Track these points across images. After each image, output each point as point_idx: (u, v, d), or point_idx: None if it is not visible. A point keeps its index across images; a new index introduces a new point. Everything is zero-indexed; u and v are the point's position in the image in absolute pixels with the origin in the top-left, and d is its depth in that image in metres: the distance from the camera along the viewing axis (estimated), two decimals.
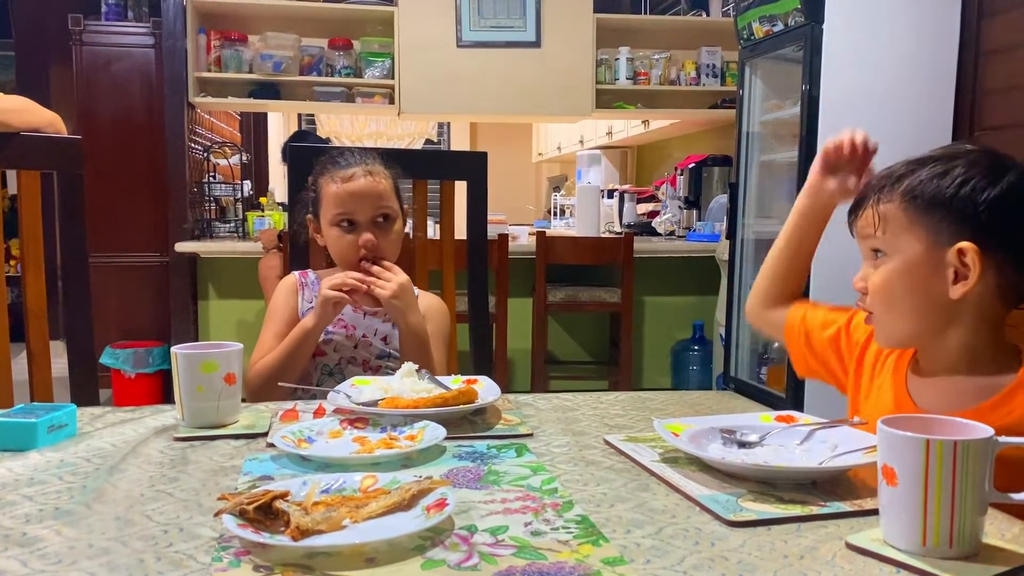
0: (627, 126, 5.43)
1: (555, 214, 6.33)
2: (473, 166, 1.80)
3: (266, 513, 0.74)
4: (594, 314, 4.14)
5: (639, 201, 5.06)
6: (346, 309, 1.54)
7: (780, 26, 2.92)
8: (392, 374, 1.29)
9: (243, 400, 1.20)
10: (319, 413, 1.16)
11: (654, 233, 4.65)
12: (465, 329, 1.80)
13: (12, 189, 5.09)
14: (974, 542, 0.71)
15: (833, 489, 0.86)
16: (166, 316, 4.09)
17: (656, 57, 4.55)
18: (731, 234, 3.31)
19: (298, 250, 1.73)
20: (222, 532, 0.74)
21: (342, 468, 0.92)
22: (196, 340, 3.87)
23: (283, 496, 0.76)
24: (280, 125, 7.65)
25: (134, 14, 4.34)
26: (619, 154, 6.31)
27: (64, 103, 4.41)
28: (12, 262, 3.93)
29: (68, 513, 0.80)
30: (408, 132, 8.28)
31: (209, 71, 4.18)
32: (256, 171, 5.85)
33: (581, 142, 6.25)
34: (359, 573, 0.67)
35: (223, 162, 4.47)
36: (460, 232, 1.80)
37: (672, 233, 4.53)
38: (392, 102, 4.39)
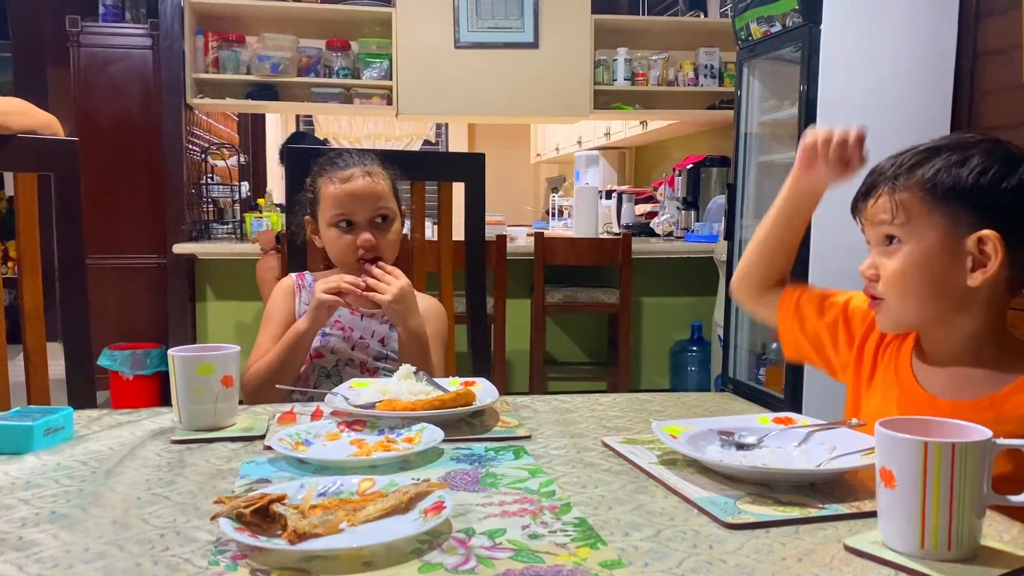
0: (625, 127, 5.43)
1: (553, 215, 6.33)
2: (471, 167, 1.80)
3: (263, 516, 0.74)
4: (592, 315, 4.14)
5: (637, 202, 5.05)
6: (343, 311, 1.54)
7: (778, 27, 2.92)
8: (390, 375, 1.29)
9: (240, 402, 1.20)
10: (317, 415, 1.16)
11: (652, 234, 4.65)
12: (463, 330, 1.80)
13: (10, 190, 5.07)
14: (973, 544, 0.71)
15: (831, 491, 0.86)
16: (164, 317, 4.08)
17: (654, 58, 4.55)
18: (729, 235, 3.31)
19: (296, 251, 1.73)
20: (219, 536, 0.74)
21: (339, 471, 0.92)
22: (194, 341, 3.87)
23: (280, 499, 0.76)
24: (278, 126, 7.65)
25: (132, 15, 4.34)
26: (617, 155, 6.31)
27: (62, 104, 4.41)
28: (9, 264, 3.92)
29: (64, 517, 0.80)
30: (406, 133, 8.28)
31: (207, 72, 4.17)
32: (254, 172, 5.84)
33: (579, 143, 6.25)
34: None
35: (221, 163, 4.47)
36: (458, 233, 1.80)
37: (670, 234, 4.53)
38: (390, 103, 4.39)
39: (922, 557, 0.70)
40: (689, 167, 4.48)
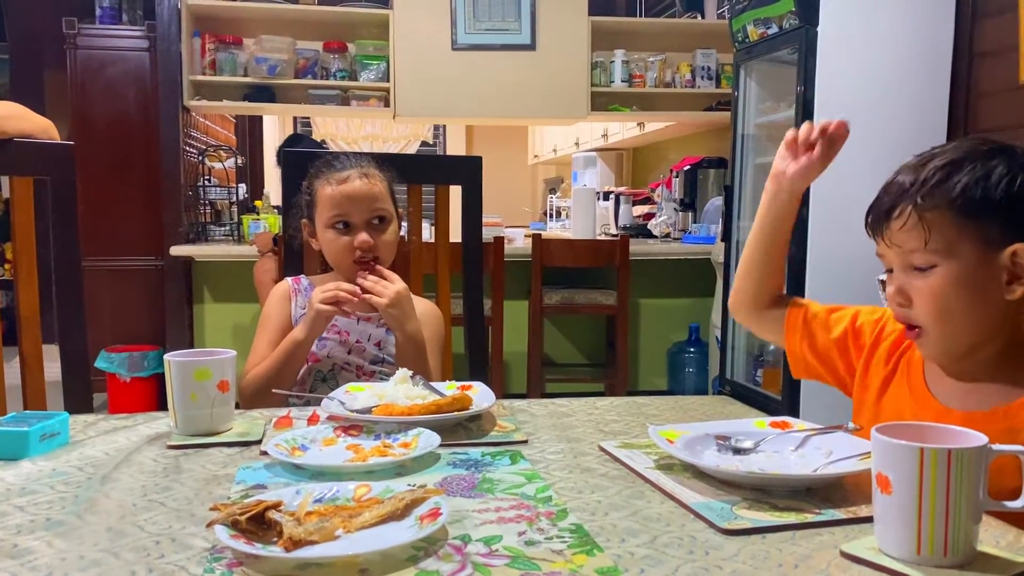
0: (622, 128, 5.43)
1: (551, 216, 6.33)
2: (468, 171, 1.79)
3: (259, 523, 0.74)
4: (590, 316, 4.14)
5: (635, 203, 5.05)
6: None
7: (775, 28, 2.92)
8: (386, 379, 1.29)
9: (236, 405, 1.19)
10: (313, 420, 1.16)
11: (650, 235, 4.65)
12: (461, 332, 1.79)
13: (5, 193, 5.07)
14: (969, 550, 0.71)
15: (828, 496, 0.86)
16: (161, 320, 4.08)
17: (651, 59, 4.55)
18: (727, 236, 3.31)
19: (293, 253, 1.73)
20: (214, 543, 0.73)
21: (336, 476, 0.92)
22: (191, 344, 3.86)
23: (276, 506, 0.75)
24: (275, 128, 7.64)
25: (129, 17, 4.33)
26: (615, 156, 6.30)
27: (59, 107, 4.42)
28: (6, 266, 3.92)
29: (60, 524, 0.80)
30: (404, 135, 8.28)
31: (204, 74, 4.17)
32: (251, 174, 5.84)
33: (577, 144, 6.25)
34: None
35: (218, 165, 4.46)
36: (455, 235, 1.80)
37: (668, 235, 4.53)
38: (387, 105, 4.38)
39: (918, 563, 0.70)
40: (686, 168, 4.48)
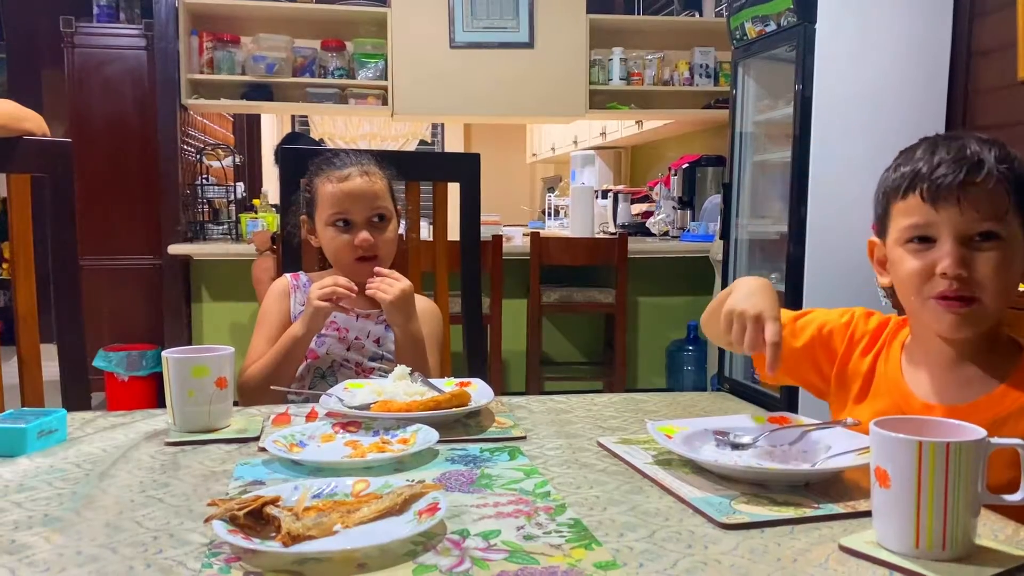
0: (621, 126, 5.43)
1: (549, 215, 6.33)
2: (466, 168, 1.79)
3: (257, 519, 0.74)
4: (589, 315, 4.14)
5: (633, 201, 5.06)
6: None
7: (773, 26, 2.92)
8: (385, 376, 1.29)
9: (235, 403, 1.19)
10: (311, 417, 1.16)
11: (648, 233, 4.65)
12: (459, 330, 1.79)
13: (3, 191, 5.07)
14: (967, 544, 0.71)
15: (826, 491, 0.86)
16: (159, 319, 4.07)
17: (649, 57, 4.55)
18: (725, 234, 3.32)
19: (292, 252, 1.73)
20: (212, 538, 0.73)
21: (334, 472, 0.92)
22: (189, 342, 3.86)
23: (274, 501, 0.75)
24: (273, 127, 7.63)
25: (126, 16, 4.33)
26: (613, 154, 6.30)
27: (56, 105, 4.41)
28: (4, 265, 3.91)
29: (58, 520, 0.80)
30: (402, 133, 8.27)
31: (202, 73, 4.16)
32: (249, 173, 5.83)
33: (575, 143, 6.25)
34: None
35: (216, 164, 4.46)
36: (454, 233, 1.80)
37: (666, 233, 4.53)
38: (385, 103, 4.38)
39: (917, 557, 0.70)
40: (685, 166, 4.48)
